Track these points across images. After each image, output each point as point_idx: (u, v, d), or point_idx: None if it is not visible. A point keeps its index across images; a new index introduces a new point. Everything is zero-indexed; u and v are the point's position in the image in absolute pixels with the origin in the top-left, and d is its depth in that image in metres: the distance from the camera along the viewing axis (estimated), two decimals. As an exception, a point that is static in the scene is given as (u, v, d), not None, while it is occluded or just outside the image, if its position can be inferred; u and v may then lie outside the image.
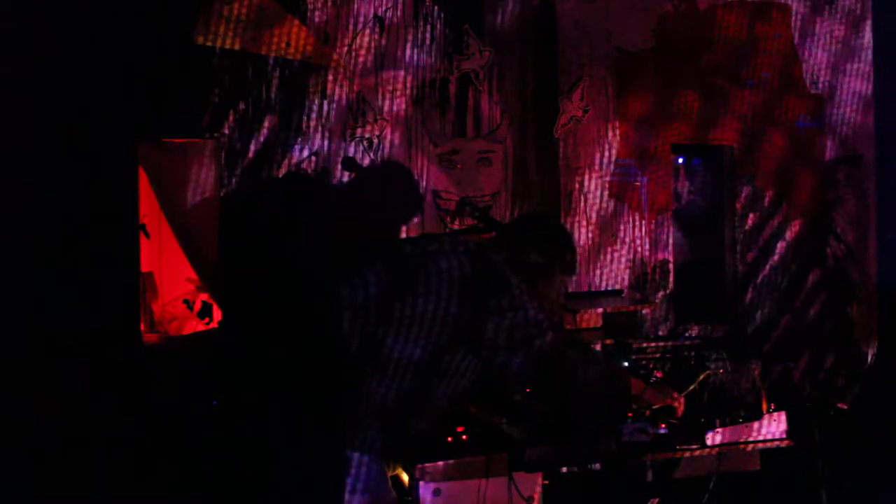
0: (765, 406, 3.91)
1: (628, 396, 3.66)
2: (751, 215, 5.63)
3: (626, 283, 5.34)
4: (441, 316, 3.31)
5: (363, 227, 4.74)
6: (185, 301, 4.76)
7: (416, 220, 4.94)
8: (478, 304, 3.32)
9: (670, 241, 5.44)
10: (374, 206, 4.87)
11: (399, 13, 4.90)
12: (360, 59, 4.85)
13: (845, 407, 5.70)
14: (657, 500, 4.20)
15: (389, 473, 3.47)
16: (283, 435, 3.44)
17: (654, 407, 3.84)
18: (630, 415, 3.84)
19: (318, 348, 3.38)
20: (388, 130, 4.90)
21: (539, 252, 3.60)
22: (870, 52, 5.81)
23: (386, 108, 4.90)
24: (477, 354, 3.33)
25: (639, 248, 5.38)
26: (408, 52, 4.93)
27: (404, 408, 3.35)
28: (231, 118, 4.63)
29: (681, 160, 5.62)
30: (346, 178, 4.82)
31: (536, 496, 3.57)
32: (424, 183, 4.98)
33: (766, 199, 5.64)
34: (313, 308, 3.48)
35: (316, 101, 4.78)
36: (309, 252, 4.57)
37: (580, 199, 5.26)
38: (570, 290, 5.17)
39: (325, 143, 4.80)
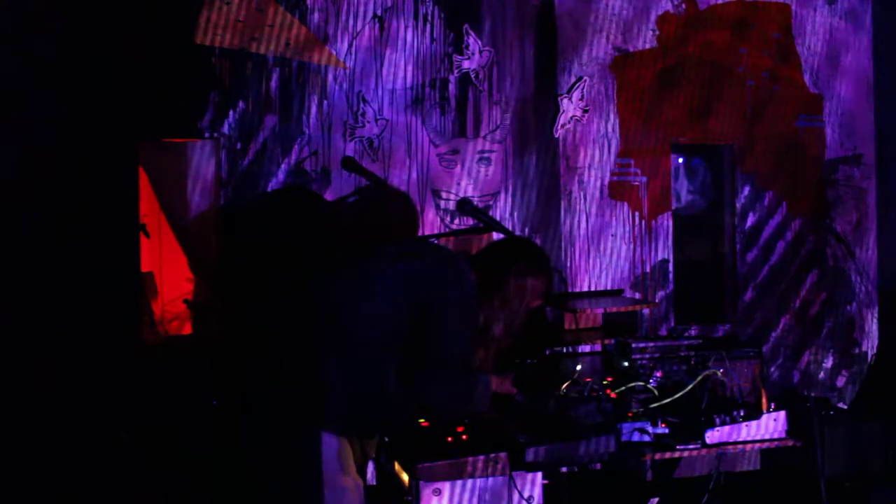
0: (765, 406, 3.90)
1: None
2: (751, 215, 5.63)
3: (626, 282, 5.34)
4: (393, 318, 3.36)
5: (358, 230, 4.75)
6: (186, 301, 4.75)
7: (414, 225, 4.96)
8: (424, 313, 3.36)
9: (670, 240, 5.44)
10: (373, 209, 4.87)
11: (399, 13, 4.91)
12: (360, 59, 4.85)
13: (845, 407, 5.70)
14: (657, 500, 4.20)
15: (353, 459, 3.45)
16: (280, 432, 3.45)
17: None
18: (630, 415, 3.84)
19: (302, 345, 3.41)
20: (388, 130, 4.90)
21: (517, 272, 3.65)
22: (870, 51, 5.81)
23: (386, 108, 4.90)
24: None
25: (638, 248, 5.38)
26: (407, 51, 4.93)
27: (369, 401, 3.37)
28: (231, 118, 4.64)
29: (681, 160, 5.62)
30: (345, 179, 4.82)
31: (536, 496, 3.57)
32: (425, 183, 4.98)
33: (766, 199, 5.65)
34: (300, 308, 3.52)
35: (316, 101, 4.78)
36: (303, 253, 4.57)
37: (580, 199, 5.26)
38: (570, 290, 5.19)
39: (325, 143, 4.80)
